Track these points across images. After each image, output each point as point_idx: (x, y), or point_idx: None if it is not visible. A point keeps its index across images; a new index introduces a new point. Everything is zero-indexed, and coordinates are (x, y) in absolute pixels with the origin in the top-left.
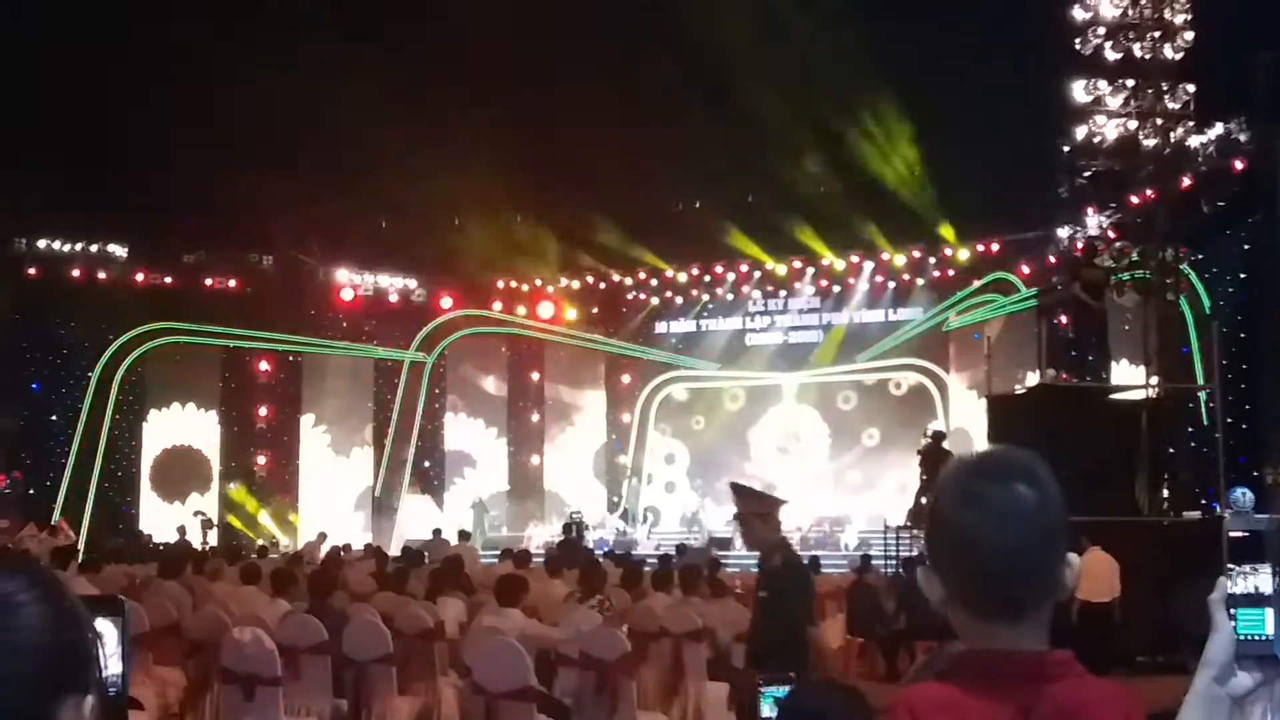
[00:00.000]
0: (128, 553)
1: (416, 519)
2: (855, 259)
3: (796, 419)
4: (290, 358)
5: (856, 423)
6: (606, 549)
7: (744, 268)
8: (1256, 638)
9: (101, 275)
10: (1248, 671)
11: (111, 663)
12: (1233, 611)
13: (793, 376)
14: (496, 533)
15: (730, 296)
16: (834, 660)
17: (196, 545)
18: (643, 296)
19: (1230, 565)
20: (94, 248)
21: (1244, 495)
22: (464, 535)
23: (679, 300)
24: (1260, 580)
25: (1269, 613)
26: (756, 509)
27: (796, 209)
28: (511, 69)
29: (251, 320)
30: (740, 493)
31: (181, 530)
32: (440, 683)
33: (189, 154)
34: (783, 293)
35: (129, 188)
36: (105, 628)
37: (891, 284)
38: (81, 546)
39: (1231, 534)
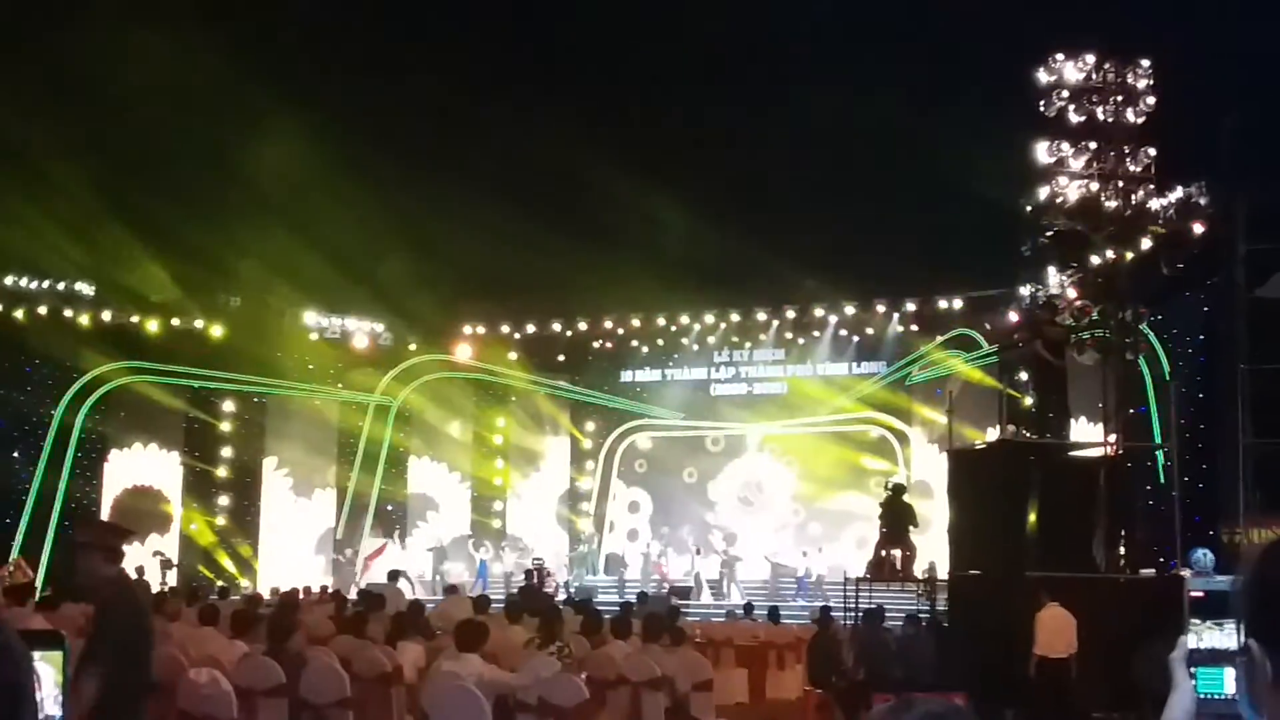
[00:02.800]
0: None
1: (378, 563)
2: (819, 312)
3: (759, 469)
4: (255, 399)
5: (819, 475)
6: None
7: (709, 318)
8: (1216, 697)
9: (68, 313)
10: None
11: (49, 704)
12: (1193, 670)
13: (756, 427)
14: (458, 579)
15: (696, 347)
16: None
17: (155, 586)
18: (609, 345)
19: (1192, 623)
20: (61, 285)
21: (1205, 556)
22: (451, 589)
23: (645, 349)
24: (1220, 639)
25: (1228, 672)
26: (101, 540)
27: (762, 261)
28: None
29: (217, 361)
30: (89, 524)
31: (140, 570)
32: None
33: (158, 194)
34: (748, 344)
35: (97, 227)
36: (44, 668)
37: (856, 338)
38: (40, 585)
39: (1193, 594)
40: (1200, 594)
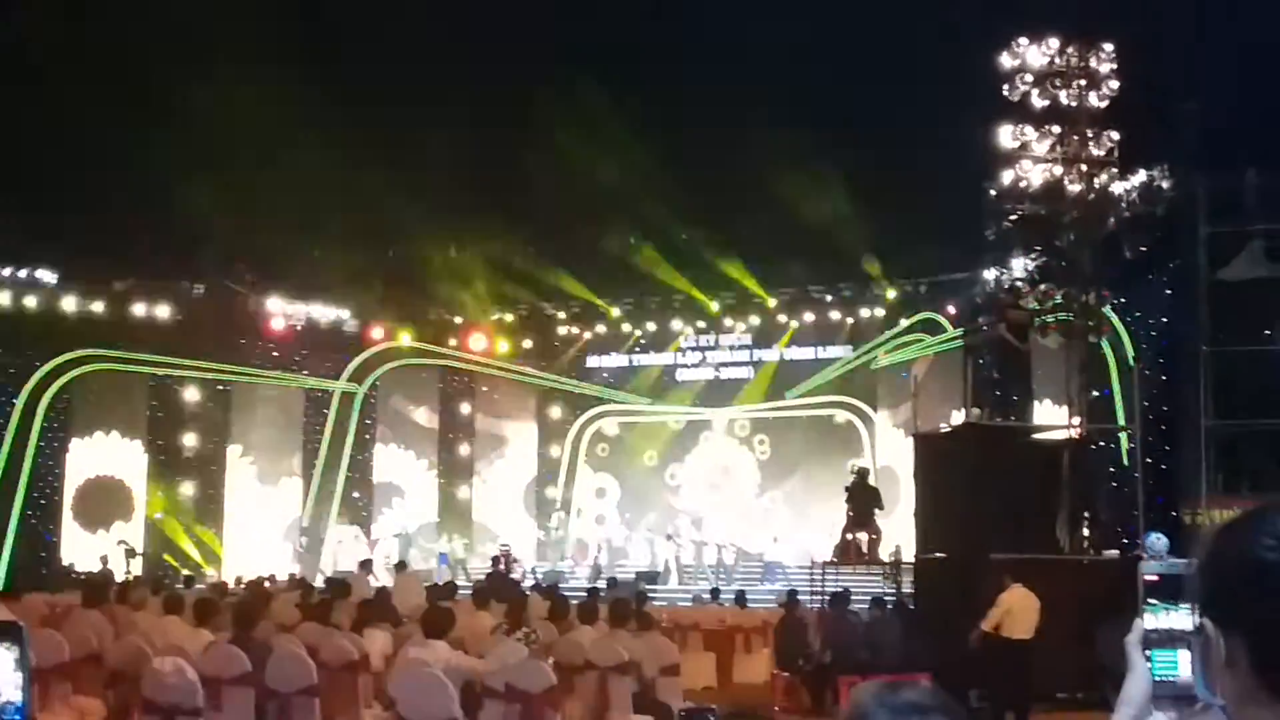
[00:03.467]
0: (51, 582)
1: (344, 550)
2: (786, 297)
3: (726, 454)
4: (219, 386)
5: (785, 459)
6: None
7: (676, 303)
8: (1171, 679)
9: (30, 301)
10: (1163, 711)
11: (7, 690)
12: (1148, 653)
13: (723, 412)
14: (424, 565)
15: (662, 332)
16: None
17: (120, 574)
18: (575, 330)
19: (1146, 606)
20: (22, 273)
21: (1159, 540)
22: (401, 565)
23: (611, 334)
24: (1175, 620)
25: (1182, 655)
26: None
27: (729, 246)
28: (442, 99)
29: (180, 348)
30: None
31: (104, 559)
32: (365, 715)
33: (121, 181)
34: (714, 329)
35: (60, 213)
36: (2, 656)
37: (821, 322)
38: (3, 576)
39: (1146, 577)
40: (1154, 577)
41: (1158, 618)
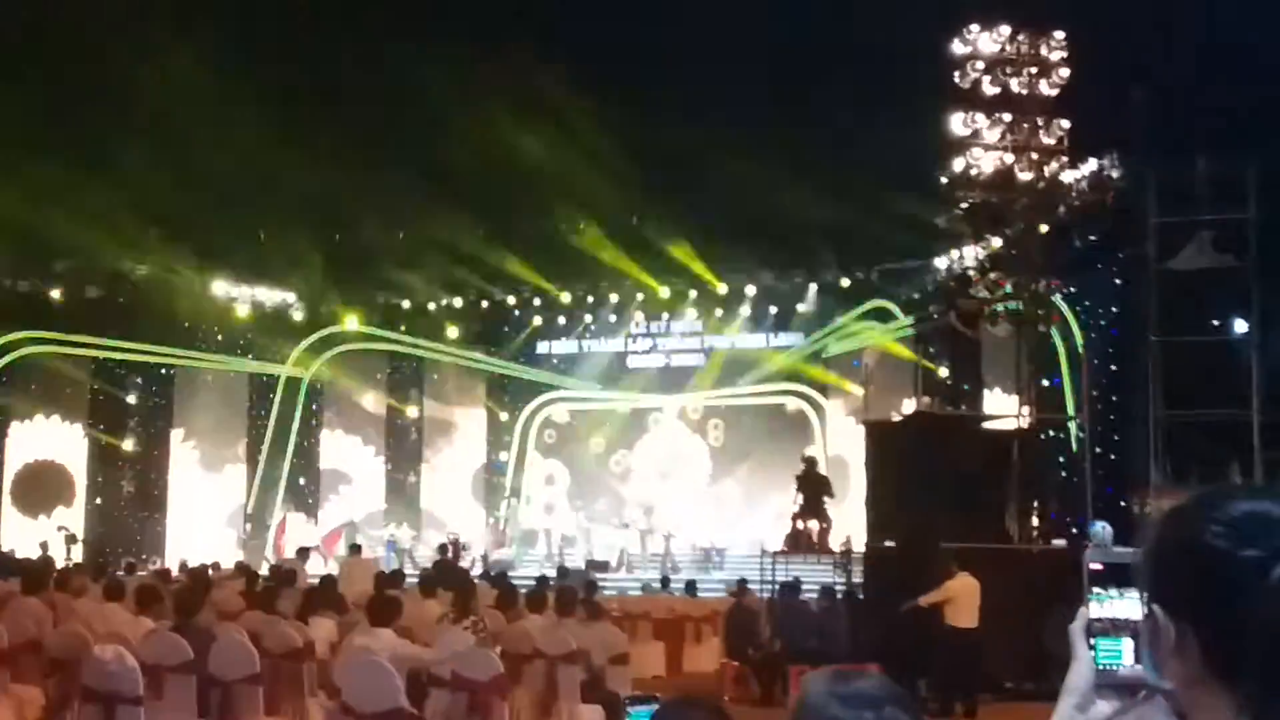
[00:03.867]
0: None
1: (290, 538)
2: (737, 283)
3: (677, 442)
4: (162, 370)
5: (736, 447)
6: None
7: (627, 289)
8: (1114, 668)
9: None
10: (1105, 700)
11: None
12: (1092, 642)
13: (674, 399)
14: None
15: (613, 318)
16: None
17: (60, 561)
18: (525, 316)
19: (1090, 594)
20: None
21: (1104, 529)
22: (355, 548)
23: (561, 321)
24: (1119, 609)
25: (1126, 643)
26: None
27: (680, 232)
28: (389, 80)
29: (122, 331)
30: None
31: (44, 546)
32: (309, 703)
33: (62, 158)
34: (665, 315)
35: None
36: None
37: (773, 309)
38: None
39: (1091, 566)
40: (1098, 566)
41: (1102, 606)
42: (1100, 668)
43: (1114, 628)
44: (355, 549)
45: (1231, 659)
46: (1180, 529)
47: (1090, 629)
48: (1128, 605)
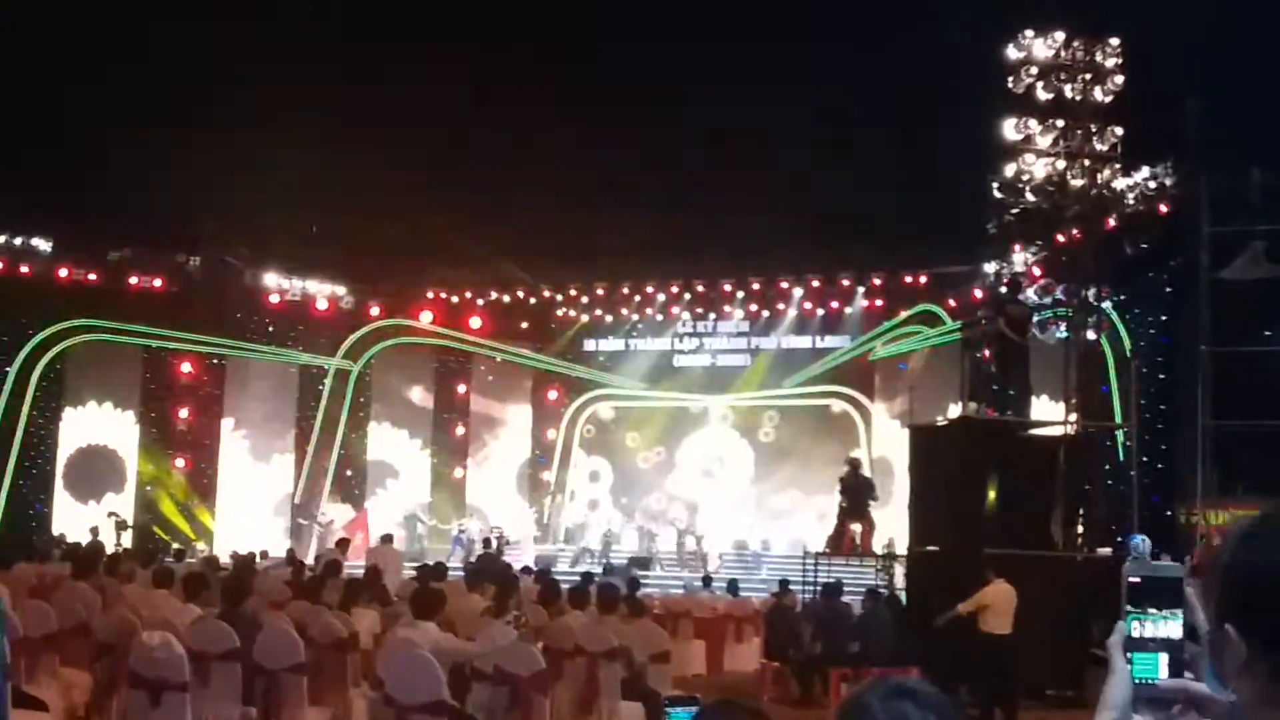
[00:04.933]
0: (40, 552)
1: (337, 528)
2: (785, 285)
3: (721, 442)
4: (213, 360)
5: (780, 448)
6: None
7: (674, 289)
8: (1150, 681)
9: (24, 269)
10: (1140, 715)
11: None
12: (1129, 655)
13: (719, 399)
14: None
15: (660, 317)
16: None
17: (110, 547)
18: (572, 313)
19: (1127, 611)
20: (17, 241)
21: (1143, 542)
22: (387, 538)
23: (609, 318)
24: (1155, 629)
25: (1162, 658)
26: None
27: (728, 234)
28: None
29: (175, 321)
30: None
31: (94, 531)
32: (352, 694)
33: (119, 151)
34: (712, 315)
35: (56, 182)
36: None
37: (820, 311)
38: None
39: (1130, 580)
40: (1137, 580)
41: (1141, 622)
42: (1136, 681)
43: (1150, 644)
44: (387, 539)
45: None
46: (1255, 551)
47: (1127, 643)
48: (1164, 625)
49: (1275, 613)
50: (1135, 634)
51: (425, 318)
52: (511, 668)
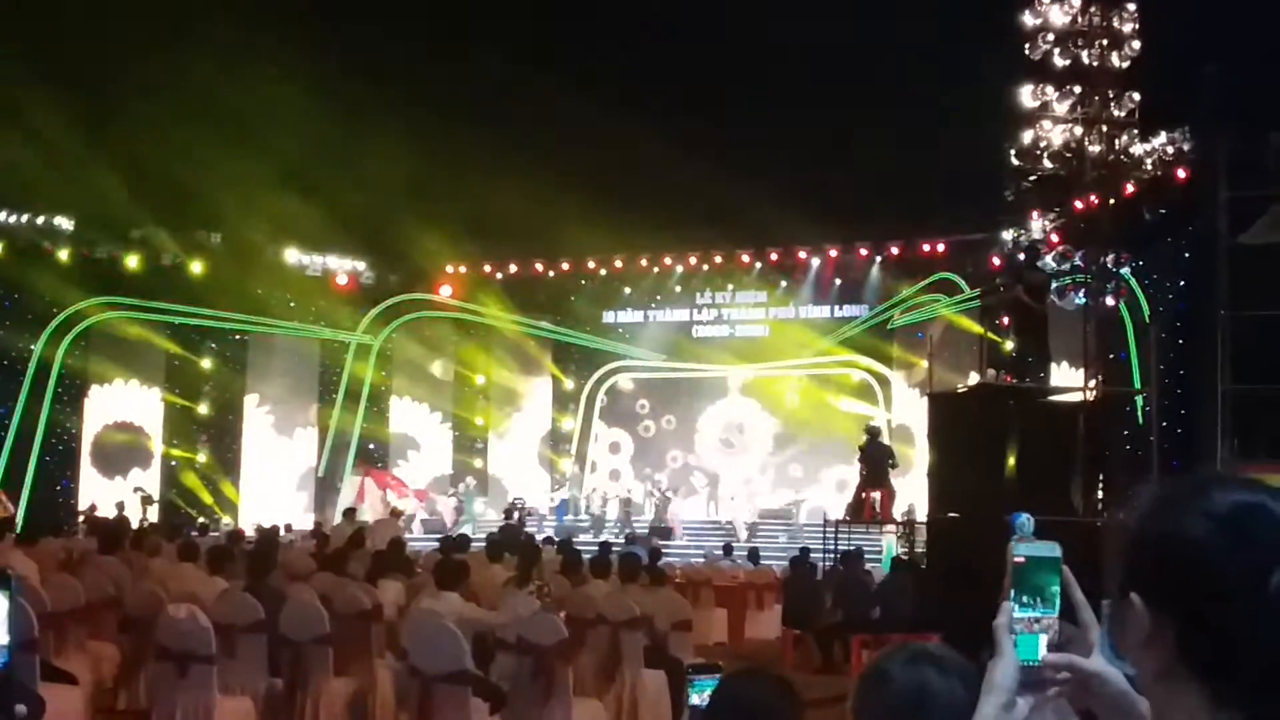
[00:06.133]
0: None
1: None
2: (802, 255)
3: (740, 412)
4: (236, 336)
5: (800, 417)
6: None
7: (693, 260)
8: (1032, 664)
9: (47, 247)
10: (1021, 698)
11: None
12: (1013, 637)
13: (738, 369)
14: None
15: (678, 288)
16: None
17: (135, 522)
18: (591, 285)
19: (1012, 593)
20: (40, 220)
21: (1028, 520)
22: (395, 513)
23: (627, 290)
24: (1040, 607)
25: (1043, 639)
26: None
27: (746, 204)
28: (466, 51)
29: (198, 297)
30: None
31: (120, 506)
32: (377, 664)
33: (140, 129)
34: (731, 286)
35: (77, 161)
36: None
37: (838, 281)
38: (21, 520)
39: (1014, 559)
40: (1021, 559)
41: (1024, 606)
42: (1021, 664)
43: (1033, 623)
44: (396, 514)
45: (1214, 658)
46: (1166, 518)
47: (1011, 624)
48: (1048, 602)
49: (1185, 582)
50: (1020, 615)
51: (445, 292)
52: (534, 637)
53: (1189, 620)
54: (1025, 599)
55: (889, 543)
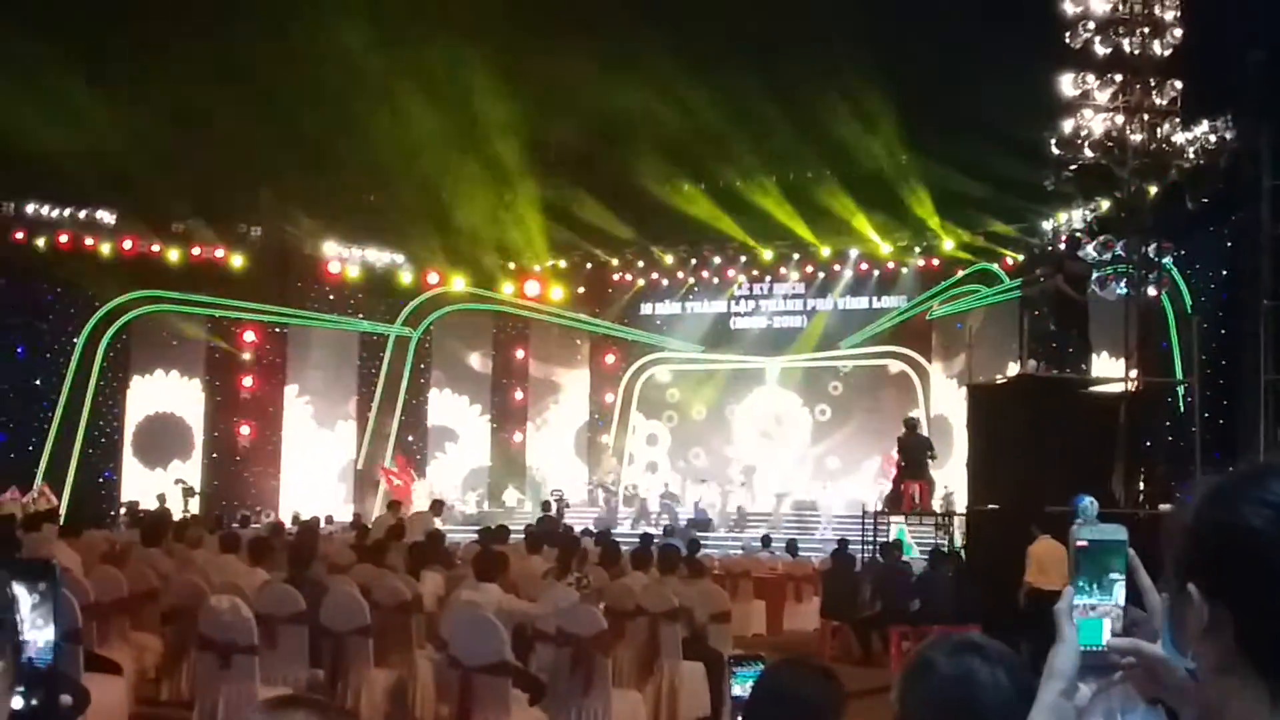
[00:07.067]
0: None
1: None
2: (841, 246)
3: (778, 403)
4: (275, 329)
5: (838, 408)
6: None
7: (730, 251)
8: (1096, 649)
9: (89, 241)
10: (1084, 683)
11: (35, 631)
12: (1075, 622)
13: (776, 361)
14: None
15: (716, 280)
16: None
17: (177, 513)
18: (629, 277)
19: (1075, 578)
20: (82, 213)
21: (1091, 504)
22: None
23: (665, 282)
24: (1106, 592)
25: (1106, 624)
26: None
27: (784, 195)
28: (505, 45)
29: (238, 290)
30: None
31: (162, 498)
32: (417, 655)
33: (180, 122)
34: (768, 277)
35: (119, 154)
36: (31, 593)
37: (876, 272)
38: (64, 512)
39: (1077, 543)
40: (1084, 543)
41: (1088, 591)
42: (1083, 649)
43: (1097, 608)
44: (438, 504)
45: (1274, 650)
46: (1222, 507)
47: (1074, 609)
48: (1113, 586)
49: (1243, 573)
50: (1082, 600)
51: (483, 284)
52: (573, 629)
53: (1248, 611)
54: (1087, 583)
55: (901, 530)
